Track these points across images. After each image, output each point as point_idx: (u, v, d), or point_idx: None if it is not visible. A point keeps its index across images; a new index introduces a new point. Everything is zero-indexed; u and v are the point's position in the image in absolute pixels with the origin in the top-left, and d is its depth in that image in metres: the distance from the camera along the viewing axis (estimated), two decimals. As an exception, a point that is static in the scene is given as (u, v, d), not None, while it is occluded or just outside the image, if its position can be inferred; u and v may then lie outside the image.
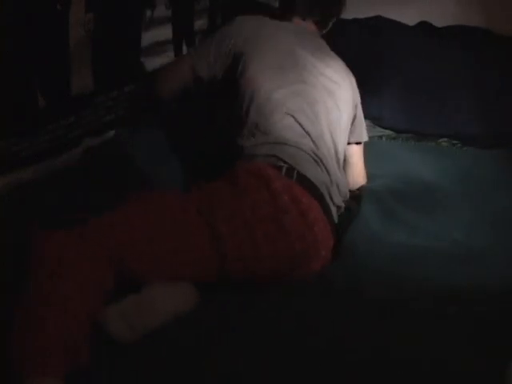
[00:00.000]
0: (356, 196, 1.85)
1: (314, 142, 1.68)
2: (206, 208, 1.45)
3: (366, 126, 2.01)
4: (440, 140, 2.32)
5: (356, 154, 1.92)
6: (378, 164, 2.07)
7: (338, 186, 1.68)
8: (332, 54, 1.91)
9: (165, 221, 1.43)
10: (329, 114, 1.75)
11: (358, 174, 1.92)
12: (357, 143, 1.92)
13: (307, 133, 1.68)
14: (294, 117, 1.68)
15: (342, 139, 1.79)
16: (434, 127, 2.35)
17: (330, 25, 2.00)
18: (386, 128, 2.41)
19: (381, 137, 2.39)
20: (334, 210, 1.64)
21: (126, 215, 1.42)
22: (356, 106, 1.89)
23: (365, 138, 1.94)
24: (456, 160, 2.16)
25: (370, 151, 2.08)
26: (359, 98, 1.90)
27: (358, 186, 1.92)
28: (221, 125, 1.93)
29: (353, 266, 1.55)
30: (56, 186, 1.65)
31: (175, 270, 1.41)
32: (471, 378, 1.15)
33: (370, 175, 1.98)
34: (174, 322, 1.31)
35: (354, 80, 1.90)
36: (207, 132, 1.96)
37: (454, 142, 2.30)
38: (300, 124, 1.68)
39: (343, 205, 1.73)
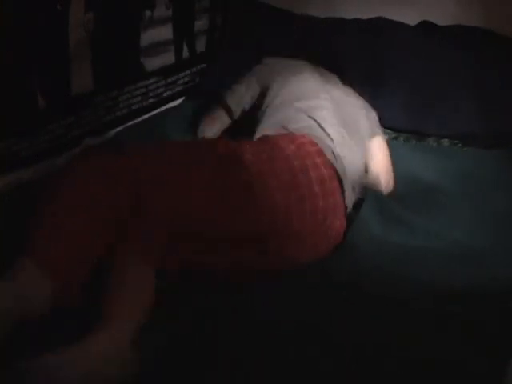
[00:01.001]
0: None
1: (333, 142, 1.77)
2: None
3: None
4: (441, 140, 2.32)
5: (374, 147, 2.00)
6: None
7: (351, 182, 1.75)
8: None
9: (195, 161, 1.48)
10: (338, 115, 1.90)
11: (378, 165, 1.98)
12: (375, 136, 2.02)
13: (327, 135, 1.78)
14: (314, 119, 1.83)
15: (360, 141, 1.91)
16: (435, 127, 2.34)
17: None
18: (386, 128, 2.41)
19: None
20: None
21: (161, 152, 1.48)
22: (364, 109, 2.06)
23: (378, 132, 2.06)
24: (456, 160, 2.15)
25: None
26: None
27: (382, 179, 1.97)
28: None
29: (353, 265, 1.54)
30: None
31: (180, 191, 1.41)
32: (471, 378, 1.15)
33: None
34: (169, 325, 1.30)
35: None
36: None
37: (455, 141, 2.30)
38: (319, 125, 1.81)
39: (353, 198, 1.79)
